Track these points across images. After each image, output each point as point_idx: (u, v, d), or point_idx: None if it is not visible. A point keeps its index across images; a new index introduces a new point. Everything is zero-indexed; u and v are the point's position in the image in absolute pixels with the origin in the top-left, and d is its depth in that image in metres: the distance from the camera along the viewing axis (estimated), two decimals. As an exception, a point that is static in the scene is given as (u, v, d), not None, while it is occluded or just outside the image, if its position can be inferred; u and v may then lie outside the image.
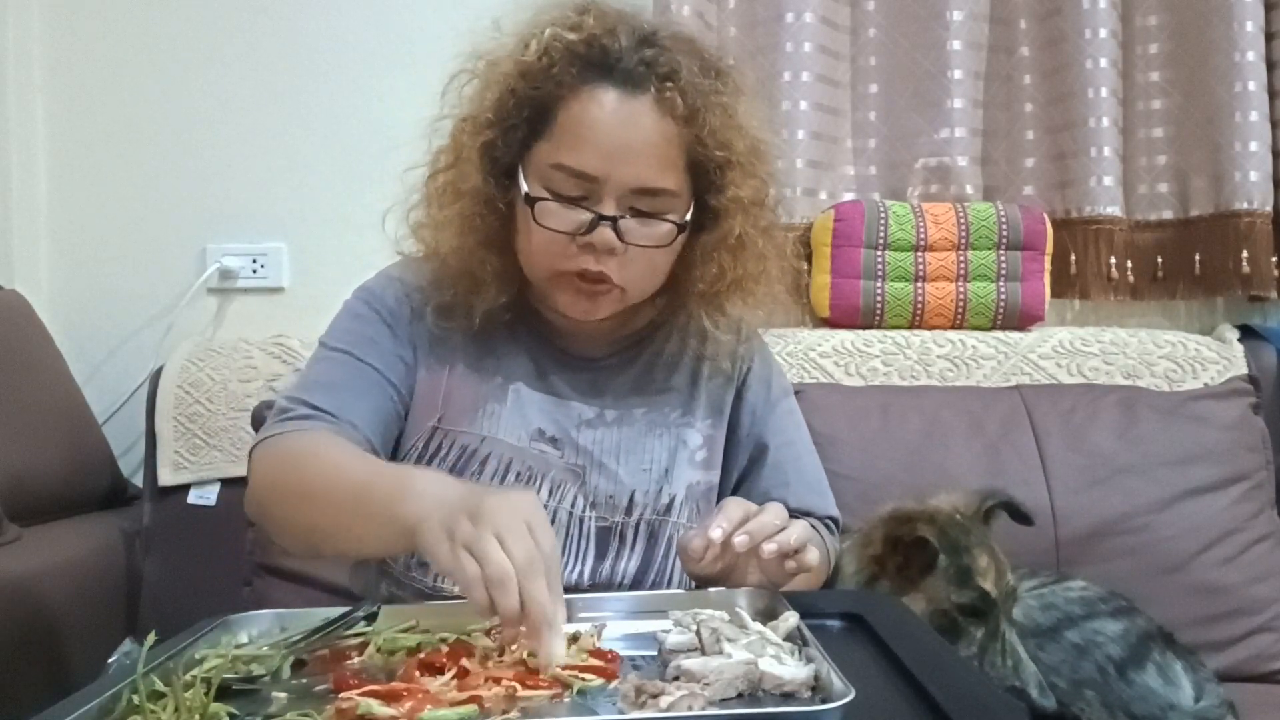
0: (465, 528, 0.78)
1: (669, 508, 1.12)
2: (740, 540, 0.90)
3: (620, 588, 1.09)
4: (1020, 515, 1.24)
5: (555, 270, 1.06)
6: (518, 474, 1.09)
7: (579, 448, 1.12)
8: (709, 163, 1.06)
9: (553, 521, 1.06)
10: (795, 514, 1.13)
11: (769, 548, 0.90)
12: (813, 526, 1.18)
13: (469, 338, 1.14)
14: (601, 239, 1.02)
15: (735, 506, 0.95)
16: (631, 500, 1.11)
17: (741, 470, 1.21)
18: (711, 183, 1.07)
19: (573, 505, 1.10)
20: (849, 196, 1.88)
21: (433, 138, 1.12)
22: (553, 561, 0.78)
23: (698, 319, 1.13)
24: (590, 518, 1.10)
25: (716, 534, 0.91)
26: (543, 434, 1.12)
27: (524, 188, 1.05)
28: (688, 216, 1.07)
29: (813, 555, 0.95)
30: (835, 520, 1.23)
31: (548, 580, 0.76)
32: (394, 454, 1.13)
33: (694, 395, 1.18)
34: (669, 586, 1.11)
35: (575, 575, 1.08)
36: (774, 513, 0.95)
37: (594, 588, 1.08)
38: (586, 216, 1.03)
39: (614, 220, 1.02)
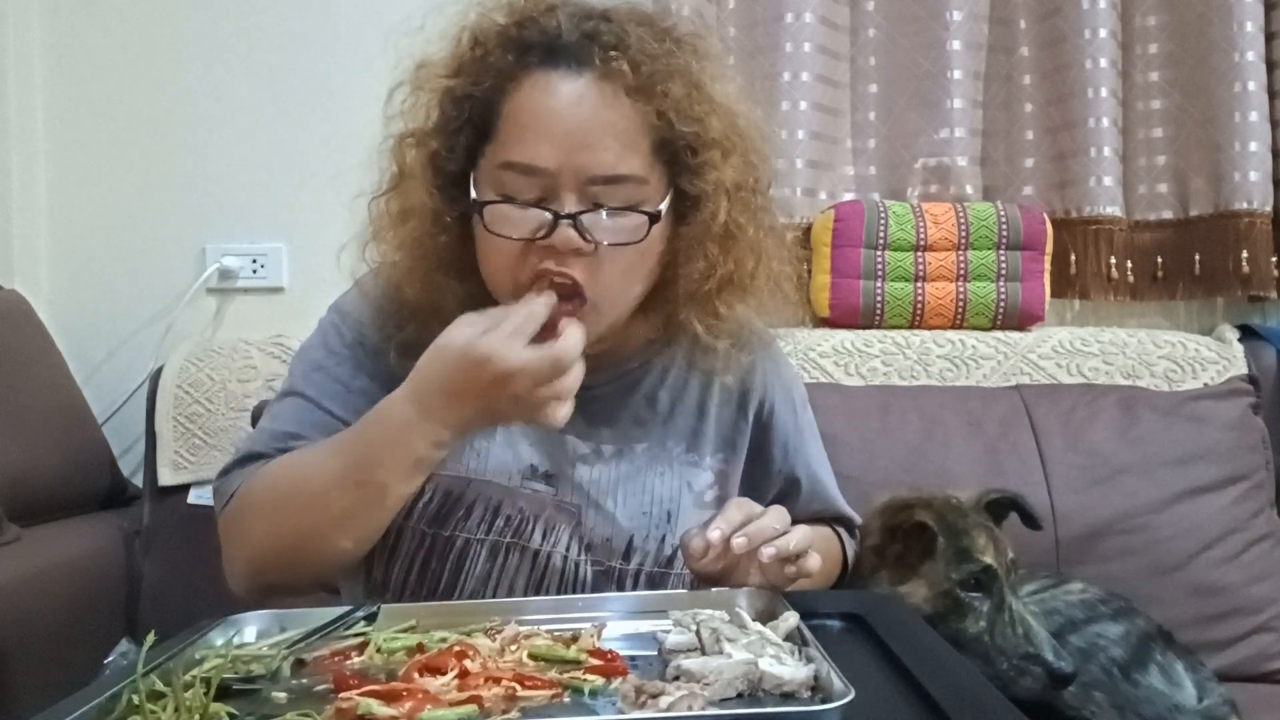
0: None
1: (671, 560, 1.04)
2: (739, 543, 0.88)
3: None
4: (1028, 518, 1.24)
5: (517, 286, 0.93)
6: (508, 517, 1.01)
7: (574, 485, 1.03)
8: (679, 141, 0.94)
9: (546, 567, 1.01)
10: (833, 524, 1.13)
11: (768, 551, 0.88)
12: (836, 531, 1.17)
13: None
14: (563, 239, 0.90)
15: (736, 509, 0.93)
16: (630, 546, 1.03)
17: (770, 500, 1.08)
18: (686, 165, 0.95)
19: (568, 549, 1.02)
20: (849, 196, 1.88)
21: (381, 161, 1.02)
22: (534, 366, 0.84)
23: (690, 327, 1.00)
24: (585, 561, 1.02)
25: (715, 535, 0.89)
26: (535, 470, 1.03)
27: (473, 195, 0.94)
28: (663, 206, 0.94)
29: (813, 561, 0.93)
30: (855, 524, 1.21)
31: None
32: None
33: (702, 428, 1.08)
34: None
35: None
36: (775, 516, 0.93)
37: None
38: (545, 217, 0.90)
39: (574, 217, 0.90)
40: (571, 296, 0.92)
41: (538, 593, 1.02)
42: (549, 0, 0.96)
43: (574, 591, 1.03)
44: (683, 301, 1.00)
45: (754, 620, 0.81)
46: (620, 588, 1.03)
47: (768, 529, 0.91)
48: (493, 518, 1.01)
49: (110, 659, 1.39)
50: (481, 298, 0.98)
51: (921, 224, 1.77)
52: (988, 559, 1.10)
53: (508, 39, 0.94)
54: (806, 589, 0.98)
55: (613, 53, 0.92)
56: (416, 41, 0.98)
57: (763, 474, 1.13)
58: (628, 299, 0.98)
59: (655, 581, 1.04)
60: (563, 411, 0.87)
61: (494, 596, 1.02)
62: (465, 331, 0.87)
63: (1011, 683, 1.05)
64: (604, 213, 0.92)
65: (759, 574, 0.92)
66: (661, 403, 1.08)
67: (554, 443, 1.04)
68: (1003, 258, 1.77)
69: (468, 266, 0.98)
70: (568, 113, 0.91)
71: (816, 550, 0.95)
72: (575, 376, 0.87)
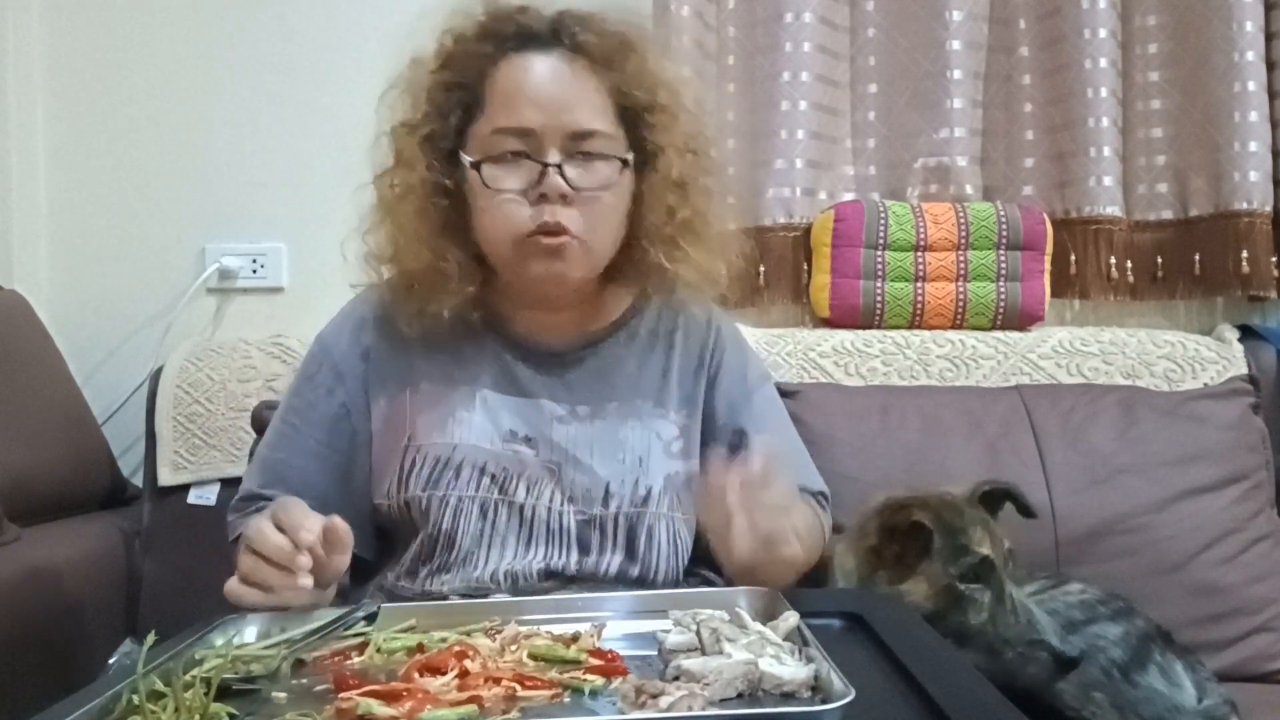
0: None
1: (646, 499, 1.13)
2: (751, 471, 0.91)
3: (606, 582, 1.10)
4: (1023, 507, 1.24)
5: (516, 235, 1.09)
6: (493, 476, 1.11)
7: (553, 445, 1.14)
8: (636, 106, 1.12)
9: (532, 518, 1.11)
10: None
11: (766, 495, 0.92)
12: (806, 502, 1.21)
13: (432, 351, 1.17)
14: (551, 186, 1.07)
15: (762, 447, 0.96)
16: (608, 492, 1.12)
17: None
18: (644, 122, 1.13)
19: (551, 501, 1.12)
20: (849, 196, 1.88)
21: (375, 155, 1.17)
22: (291, 525, 0.91)
23: (657, 263, 1.14)
24: (569, 512, 1.11)
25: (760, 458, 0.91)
26: (515, 435, 1.14)
27: (467, 160, 1.10)
28: (629, 157, 1.12)
29: (793, 549, 0.95)
30: (825, 496, 1.26)
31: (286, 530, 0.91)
32: (370, 481, 1.17)
33: (665, 387, 1.20)
34: (654, 579, 1.12)
35: (561, 564, 1.10)
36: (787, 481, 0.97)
37: (580, 575, 1.10)
38: (534, 169, 1.08)
39: (559, 166, 1.07)
40: (561, 234, 1.08)
41: (528, 545, 1.11)
42: (517, 2, 1.13)
43: (560, 540, 1.11)
44: (649, 243, 1.15)
45: (754, 620, 0.81)
46: (601, 532, 1.12)
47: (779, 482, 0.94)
48: (480, 477, 1.11)
49: (114, 659, 1.39)
50: (474, 263, 1.14)
51: (921, 224, 1.77)
52: (984, 550, 1.11)
53: (486, 32, 1.12)
54: (797, 560, 0.98)
55: (577, 35, 1.11)
56: (406, 45, 1.14)
57: (710, 429, 1.21)
58: (606, 237, 1.13)
59: (634, 521, 1.12)
60: (233, 585, 0.93)
61: (488, 552, 1.10)
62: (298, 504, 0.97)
63: (1019, 671, 1.06)
64: (580, 164, 1.09)
65: (747, 535, 0.92)
66: (629, 366, 1.20)
67: (532, 409, 1.16)
68: (1003, 258, 1.77)
69: (462, 233, 1.13)
70: (545, 82, 1.09)
71: (801, 533, 0.99)
72: (270, 581, 0.92)
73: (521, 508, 1.11)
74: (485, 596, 1.07)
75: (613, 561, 1.11)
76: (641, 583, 1.11)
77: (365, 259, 1.18)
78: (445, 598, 1.08)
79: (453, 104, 1.12)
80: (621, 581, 1.11)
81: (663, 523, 1.12)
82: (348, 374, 1.18)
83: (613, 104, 1.12)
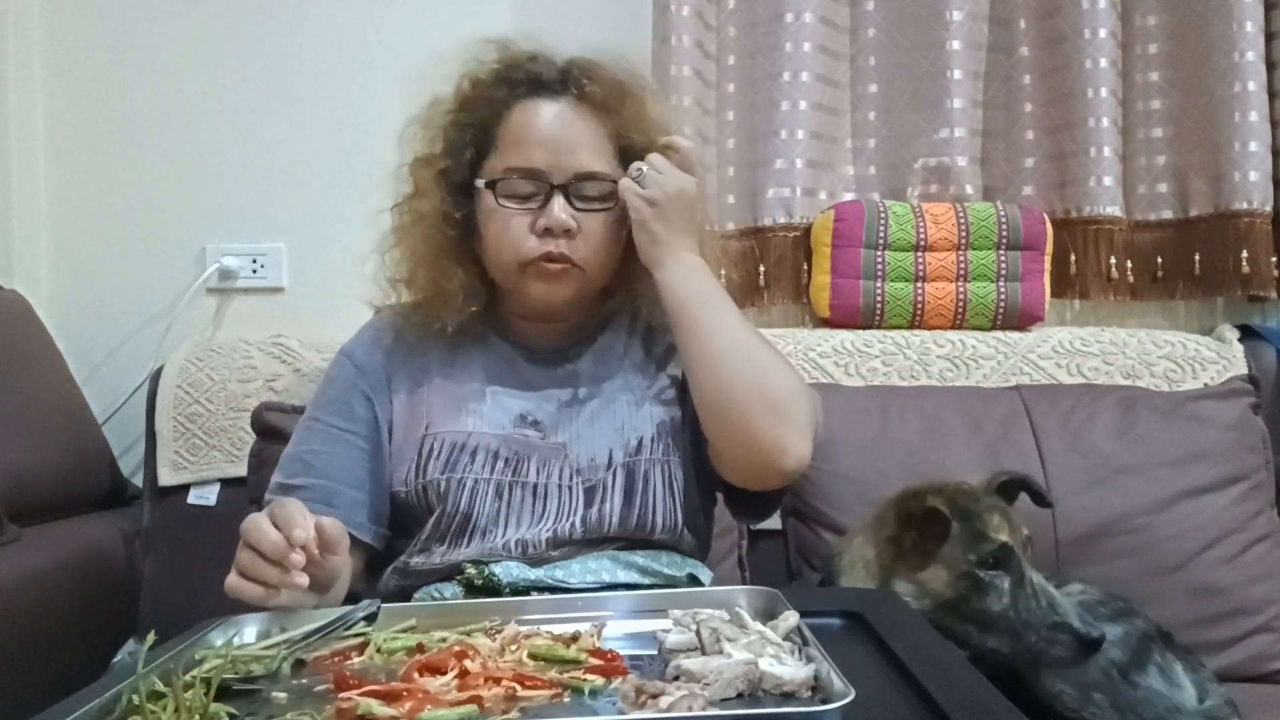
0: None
1: (639, 446, 1.20)
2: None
3: (609, 527, 1.15)
4: (1039, 496, 1.25)
5: (521, 260, 1.18)
6: (506, 459, 1.18)
7: (559, 427, 1.22)
8: (634, 147, 1.22)
9: (545, 494, 1.18)
10: None
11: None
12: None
13: (443, 353, 1.26)
14: (555, 219, 1.16)
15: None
16: (611, 457, 1.19)
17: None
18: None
19: (560, 477, 1.18)
20: (849, 196, 1.88)
21: (397, 184, 1.26)
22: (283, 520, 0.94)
23: (652, 291, 1.22)
24: (577, 483, 1.18)
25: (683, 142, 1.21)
26: (525, 419, 1.22)
27: (481, 184, 1.20)
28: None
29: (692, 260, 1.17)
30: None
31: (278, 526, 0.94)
32: (392, 470, 1.23)
33: (650, 354, 1.29)
34: (652, 518, 1.16)
35: (568, 526, 1.15)
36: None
37: (586, 535, 1.15)
38: (540, 204, 1.17)
39: (563, 201, 1.17)
40: (563, 261, 1.18)
41: (541, 517, 1.16)
42: (529, 51, 1.23)
43: (570, 503, 1.16)
44: (645, 269, 1.21)
45: (754, 620, 0.81)
46: (604, 493, 1.17)
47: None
48: (494, 460, 1.18)
49: (118, 658, 1.39)
50: (478, 284, 1.24)
51: (921, 224, 1.77)
52: (1003, 537, 1.11)
53: (500, 78, 1.22)
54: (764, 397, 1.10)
55: (584, 82, 1.20)
56: (426, 85, 1.23)
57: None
58: (604, 268, 1.23)
59: (631, 469, 1.18)
60: (233, 580, 0.94)
61: (504, 530, 1.15)
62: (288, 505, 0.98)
63: (1042, 654, 1.07)
64: (583, 199, 1.19)
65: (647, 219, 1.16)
66: (617, 351, 1.29)
67: (538, 399, 1.24)
68: (1003, 258, 1.77)
69: (469, 257, 1.24)
70: (555, 126, 1.20)
71: (764, 351, 1.15)
72: (268, 572, 0.93)
73: (535, 486, 1.17)
74: (498, 562, 1.12)
75: (615, 507, 1.16)
76: (641, 529, 1.16)
77: (386, 282, 1.27)
78: (460, 567, 1.11)
79: (467, 141, 1.21)
80: (624, 529, 1.15)
81: (657, 468, 1.19)
82: (369, 369, 1.26)
83: (613, 146, 1.22)
